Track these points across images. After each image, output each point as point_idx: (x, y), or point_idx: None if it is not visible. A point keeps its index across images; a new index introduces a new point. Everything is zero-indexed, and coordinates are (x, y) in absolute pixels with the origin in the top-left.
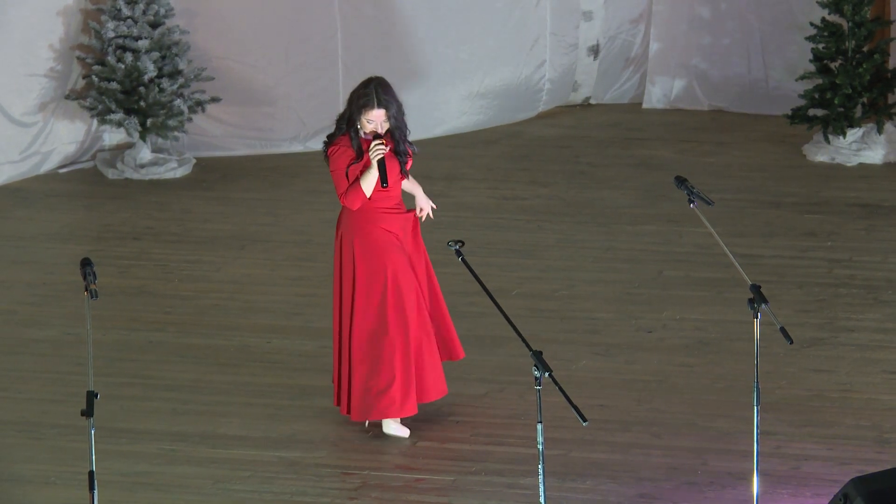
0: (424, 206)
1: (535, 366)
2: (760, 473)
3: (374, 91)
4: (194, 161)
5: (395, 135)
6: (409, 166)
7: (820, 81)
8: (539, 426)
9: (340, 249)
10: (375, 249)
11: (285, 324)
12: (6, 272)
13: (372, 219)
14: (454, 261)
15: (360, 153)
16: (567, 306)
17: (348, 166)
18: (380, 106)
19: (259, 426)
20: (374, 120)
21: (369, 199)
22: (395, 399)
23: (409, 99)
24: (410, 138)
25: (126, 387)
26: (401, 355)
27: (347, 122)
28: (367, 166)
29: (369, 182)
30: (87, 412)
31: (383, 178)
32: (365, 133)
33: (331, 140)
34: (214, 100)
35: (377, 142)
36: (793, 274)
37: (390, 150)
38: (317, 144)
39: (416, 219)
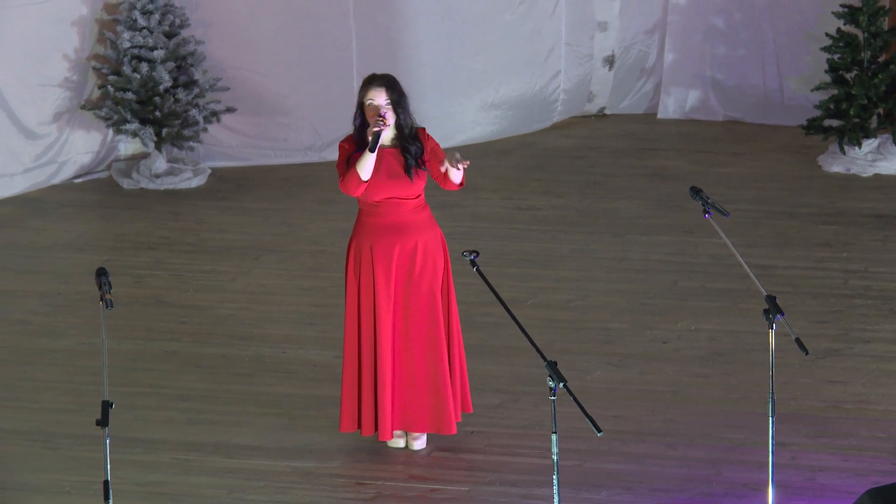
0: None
1: (550, 376)
2: (776, 484)
3: (378, 75)
4: (209, 171)
5: (405, 131)
6: (428, 166)
7: (835, 92)
8: (554, 437)
9: (352, 259)
10: (362, 265)
11: (300, 334)
12: (21, 282)
13: (371, 231)
14: (469, 271)
15: (363, 144)
16: (581, 317)
17: (350, 154)
18: (379, 83)
19: (273, 436)
20: (375, 99)
21: (378, 209)
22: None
23: (424, 109)
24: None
25: (141, 396)
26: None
27: (356, 118)
28: (385, 159)
29: (364, 164)
30: (102, 422)
31: (372, 145)
32: (369, 120)
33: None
34: (229, 110)
35: (377, 117)
36: (808, 285)
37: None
38: (331, 154)
39: (428, 251)
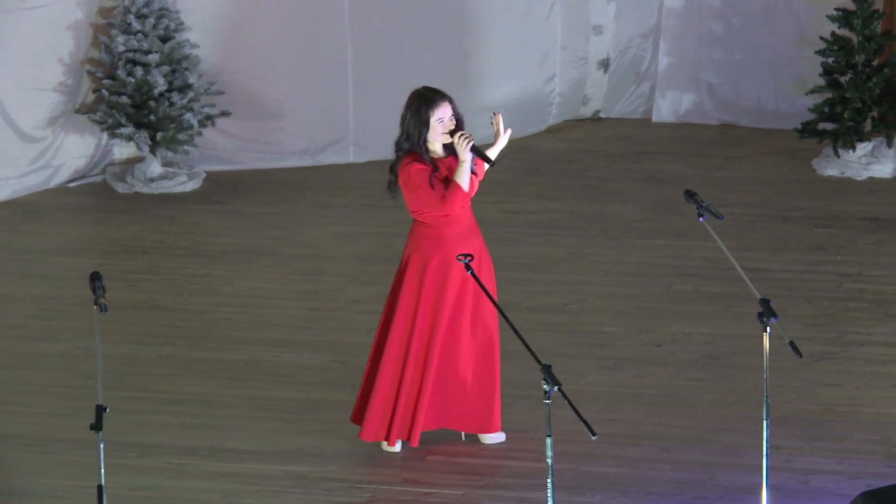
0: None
1: (545, 380)
2: (770, 488)
3: (433, 90)
4: (204, 175)
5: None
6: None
7: (830, 95)
8: (548, 440)
9: (405, 271)
10: (448, 276)
11: (294, 338)
12: (15, 286)
13: (449, 241)
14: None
15: (435, 165)
16: (576, 320)
17: (431, 177)
18: (443, 98)
19: (268, 440)
20: (445, 116)
21: (446, 220)
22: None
23: None
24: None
25: (135, 401)
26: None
27: (411, 140)
28: (450, 169)
29: (463, 177)
30: (96, 426)
31: (487, 159)
32: (432, 146)
33: (397, 164)
34: (224, 114)
35: (458, 133)
36: (802, 288)
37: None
38: (326, 158)
39: (486, 250)
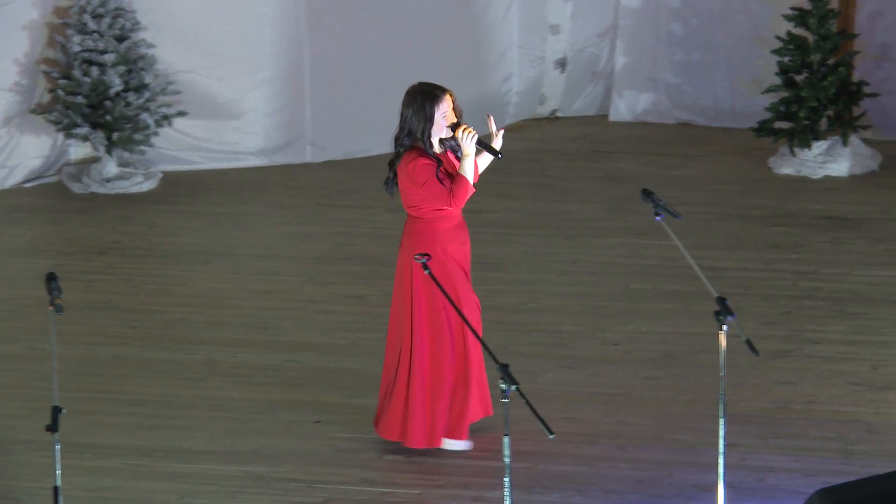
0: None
1: (502, 379)
2: (726, 486)
3: (434, 85)
4: (161, 175)
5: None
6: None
7: (786, 94)
8: (506, 439)
9: (415, 272)
10: (451, 272)
11: (251, 338)
12: None
13: (446, 234)
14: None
15: (439, 160)
16: (534, 319)
17: (437, 172)
18: (445, 94)
19: (225, 440)
20: (448, 109)
21: (442, 214)
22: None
23: (375, 113)
24: (377, 152)
25: (91, 402)
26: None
27: (413, 136)
28: (451, 165)
29: (469, 171)
30: (52, 427)
31: (494, 151)
32: (434, 141)
33: (397, 161)
34: (181, 114)
35: (462, 128)
36: (758, 286)
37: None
38: (283, 158)
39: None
